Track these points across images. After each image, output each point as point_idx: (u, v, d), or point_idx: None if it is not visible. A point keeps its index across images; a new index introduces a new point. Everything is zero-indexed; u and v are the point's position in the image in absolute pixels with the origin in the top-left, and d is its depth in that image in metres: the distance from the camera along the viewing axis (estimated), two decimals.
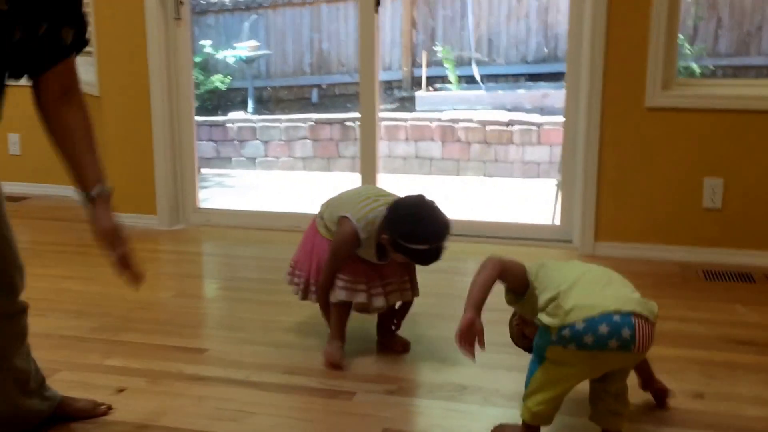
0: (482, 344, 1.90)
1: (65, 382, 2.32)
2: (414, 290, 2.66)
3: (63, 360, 2.53)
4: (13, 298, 1.95)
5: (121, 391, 2.35)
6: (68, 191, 4.72)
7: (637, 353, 1.86)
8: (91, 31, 4.12)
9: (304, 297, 2.61)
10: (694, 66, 7.72)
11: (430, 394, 2.35)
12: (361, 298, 2.50)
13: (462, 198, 5.75)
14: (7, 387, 1.96)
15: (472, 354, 1.91)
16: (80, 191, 1.88)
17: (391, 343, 2.69)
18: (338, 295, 2.50)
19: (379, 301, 2.53)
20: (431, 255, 2.37)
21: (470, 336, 1.90)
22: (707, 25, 8.14)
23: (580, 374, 1.93)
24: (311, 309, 2.72)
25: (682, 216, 3.56)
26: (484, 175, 6.72)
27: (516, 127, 6.77)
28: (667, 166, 3.53)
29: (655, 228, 3.59)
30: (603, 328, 1.80)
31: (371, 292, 2.52)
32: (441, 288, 3.30)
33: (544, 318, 1.88)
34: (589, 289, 1.89)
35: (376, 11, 3.81)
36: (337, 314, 2.56)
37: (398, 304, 2.66)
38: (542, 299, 1.91)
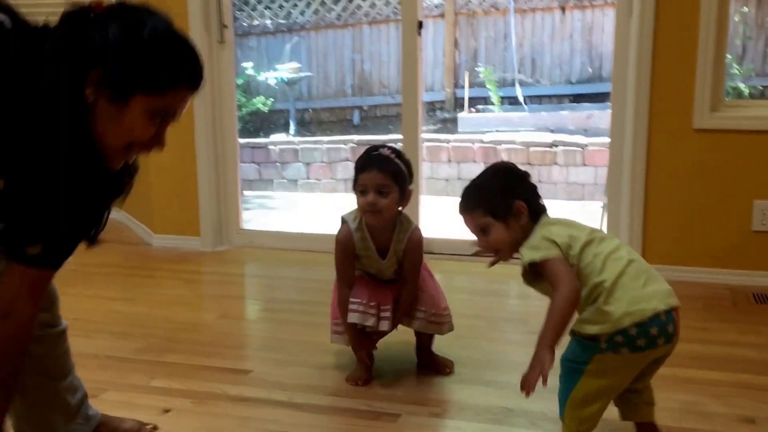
0: (545, 382, 1.76)
1: (111, 402, 2.33)
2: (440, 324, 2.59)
3: (108, 380, 2.54)
4: (58, 312, 1.97)
5: (166, 411, 2.36)
6: (113, 214, 4.78)
7: (675, 343, 1.89)
8: None
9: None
10: (742, 86, 7.61)
11: (476, 417, 2.32)
12: (370, 321, 2.48)
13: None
14: (58, 403, 1.98)
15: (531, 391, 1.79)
16: None
17: (433, 363, 2.66)
18: (350, 317, 2.49)
19: (384, 325, 2.51)
20: None
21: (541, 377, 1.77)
22: (756, 45, 8.02)
23: (625, 378, 1.91)
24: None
25: (731, 239, 3.49)
26: None
27: (560, 149, 6.72)
28: (716, 188, 3.47)
29: (703, 251, 3.52)
30: (653, 330, 1.82)
31: (380, 315, 2.49)
32: (485, 310, 3.28)
33: (589, 328, 1.85)
34: (633, 290, 1.84)
35: (419, 33, 3.81)
36: (351, 332, 2.53)
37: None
38: (582, 293, 1.86)
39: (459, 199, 2.06)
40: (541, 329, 1.81)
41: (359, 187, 2.40)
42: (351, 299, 2.51)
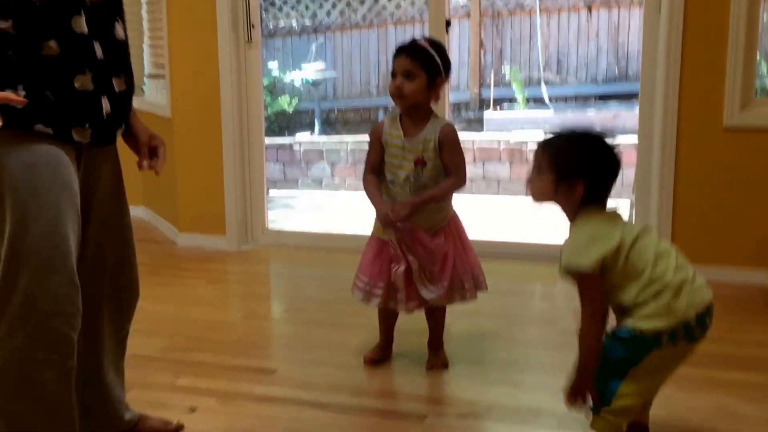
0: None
1: (138, 401, 2.33)
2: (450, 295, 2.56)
3: (135, 379, 2.54)
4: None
5: (192, 410, 2.36)
6: (139, 211, 4.81)
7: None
8: (164, 55, 4.20)
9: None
10: None
11: (504, 419, 2.31)
12: (374, 302, 2.53)
13: (532, 220, 5.68)
14: (116, 388, 2.07)
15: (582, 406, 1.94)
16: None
17: (430, 360, 2.65)
18: (355, 295, 2.56)
19: (392, 304, 2.54)
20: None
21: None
22: None
23: (669, 374, 1.94)
24: (378, 330, 2.70)
25: (762, 238, 3.44)
26: None
27: None
28: (746, 188, 3.42)
29: (734, 251, 3.47)
30: (708, 320, 1.89)
31: (389, 295, 2.52)
32: (512, 310, 3.26)
33: (655, 323, 1.83)
34: (690, 282, 1.88)
35: (447, 32, 3.80)
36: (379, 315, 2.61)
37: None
38: (632, 291, 1.85)
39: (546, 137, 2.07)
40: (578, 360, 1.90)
41: (391, 72, 2.48)
42: (358, 275, 2.56)
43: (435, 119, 2.51)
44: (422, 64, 2.43)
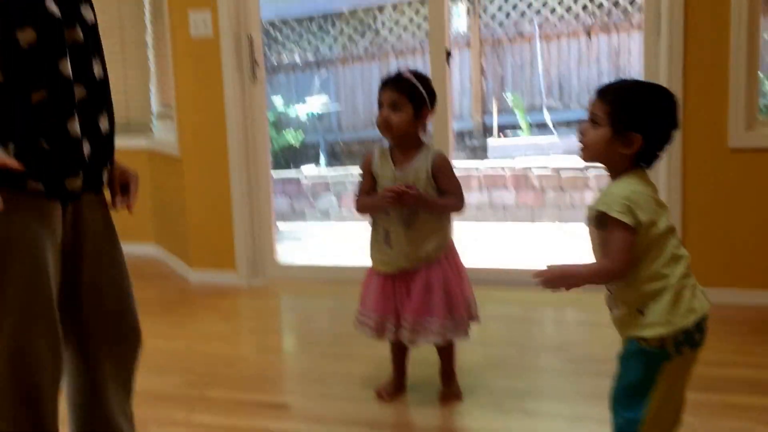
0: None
1: None
2: (457, 330, 2.56)
3: (150, 417, 2.56)
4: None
5: None
6: (150, 249, 4.83)
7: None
8: (171, 95, 4.25)
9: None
10: None
11: None
12: (387, 337, 2.56)
13: (538, 245, 5.68)
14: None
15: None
16: None
17: (443, 392, 2.65)
18: (364, 332, 2.58)
19: (397, 337, 2.55)
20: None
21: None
22: None
23: (684, 386, 1.88)
24: (389, 362, 2.71)
25: None
26: (560, 221, 6.64)
27: (592, 172, 6.68)
28: (755, 208, 3.43)
29: (747, 272, 3.47)
30: (705, 325, 1.83)
31: (395, 330, 2.55)
32: (523, 337, 3.25)
33: (659, 330, 1.78)
34: (692, 288, 1.82)
35: (448, 63, 3.84)
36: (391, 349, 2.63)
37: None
38: (637, 275, 1.80)
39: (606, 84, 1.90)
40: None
41: (378, 104, 2.51)
42: (362, 310, 2.59)
43: (426, 149, 2.55)
44: (408, 96, 2.47)
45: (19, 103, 1.61)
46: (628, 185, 1.81)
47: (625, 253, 1.77)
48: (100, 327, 1.88)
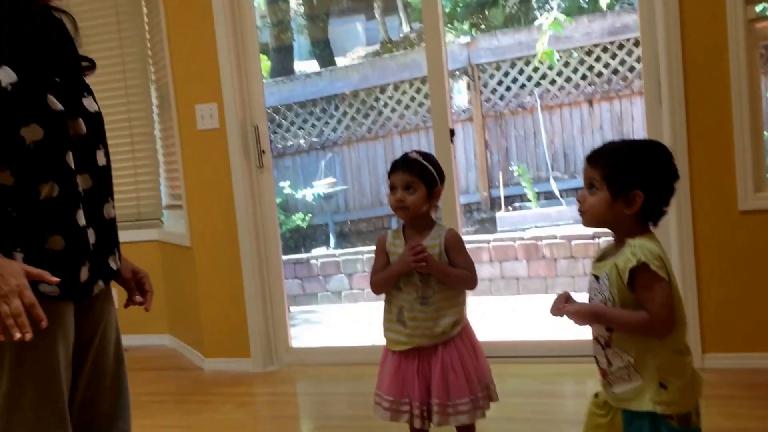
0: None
1: None
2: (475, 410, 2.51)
3: None
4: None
5: None
6: (162, 339, 4.81)
7: None
8: (180, 186, 4.30)
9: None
10: None
11: None
12: (404, 419, 2.50)
13: (554, 318, 5.63)
14: None
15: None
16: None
17: None
18: (381, 415, 2.53)
19: (417, 422, 2.49)
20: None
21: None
22: None
23: None
24: None
25: None
26: (574, 291, 6.59)
27: (602, 239, 6.67)
28: None
29: (760, 336, 3.41)
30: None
31: (414, 412, 2.49)
32: (543, 413, 3.19)
33: (686, 401, 1.74)
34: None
35: (452, 141, 3.88)
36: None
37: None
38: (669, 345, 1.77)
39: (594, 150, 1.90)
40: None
41: (390, 186, 2.56)
42: (377, 392, 2.55)
43: (438, 227, 2.58)
44: (419, 176, 2.52)
45: (29, 202, 1.61)
46: (654, 244, 1.77)
47: (671, 307, 1.73)
48: (92, 427, 1.85)
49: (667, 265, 1.75)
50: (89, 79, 1.83)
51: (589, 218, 1.84)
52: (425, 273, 2.49)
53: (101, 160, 1.79)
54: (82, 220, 1.69)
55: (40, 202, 1.62)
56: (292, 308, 6.79)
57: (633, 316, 1.75)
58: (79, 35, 1.84)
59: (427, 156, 2.59)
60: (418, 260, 2.46)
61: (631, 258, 1.73)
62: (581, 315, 1.82)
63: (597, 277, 1.83)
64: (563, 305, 1.85)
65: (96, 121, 1.79)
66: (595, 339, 1.86)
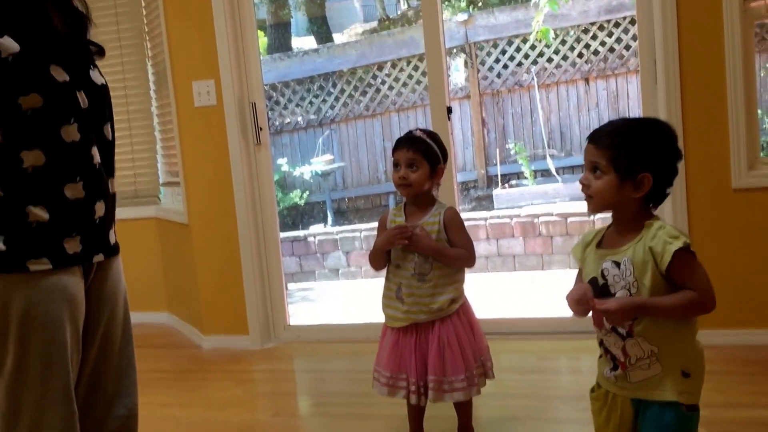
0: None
1: None
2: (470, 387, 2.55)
3: None
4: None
5: None
6: (163, 318, 4.84)
7: None
8: (178, 163, 4.31)
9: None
10: None
11: None
12: (401, 395, 2.55)
13: (551, 293, 5.67)
14: None
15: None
16: None
17: None
18: (378, 390, 2.58)
19: (413, 399, 2.54)
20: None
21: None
22: None
23: None
24: (406, 421, 2.69)
25: None
26: (570, 268, 6.63)
27: (598, 217, 6.69)
28: (763, 247, 3.42)
29: (756, 312, 3.44)
30: None
31: (410, 388, 2.53)
32: (540, 388, 3.23)
33: (696, 397, 1.75)
34: None
35: (449, 119, 3.88)
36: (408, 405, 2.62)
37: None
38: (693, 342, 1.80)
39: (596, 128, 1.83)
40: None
41: (393, 163, 2.59)
42: (376, 368, 2.60)
43: (438, 205, 2.62)
44: (423, 154, 2.55)
45: (11, 167, 1.62)
46: (667, 227, 1.73)
47: (711, 284, 1.71)
48: (98, 405, 1.87)
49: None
50: None
51: (596, 202, 1.78)
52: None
53: (108, 134, 1.81)
54: (76, 193, 1.70)
55: (22, 170, 1.63)
56: (290, 285, 6.81)
57: (680, 298, 1.69)
58: (88, 9, 1.84)
59: (431, 134, 2.62)
60: (402, 237, 2.49)
61: (671, 240, 1.68)
62: (625, 311, 1.70)
63: (617, 263, 1.75)
64: (593, 302, 1.73)
65: (103, 94, 1.80)
66: (612, 330, 1.77)
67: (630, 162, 1.72)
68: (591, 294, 1.74)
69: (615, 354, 1.79)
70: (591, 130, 1.84)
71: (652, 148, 1.75)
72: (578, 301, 1.75)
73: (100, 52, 1.86)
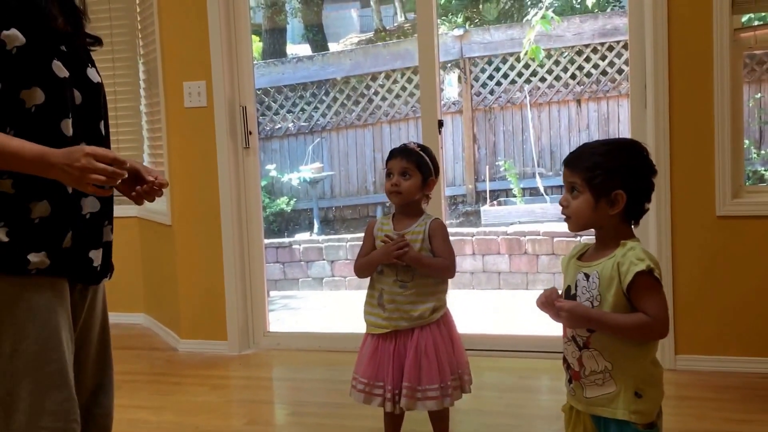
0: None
1: None
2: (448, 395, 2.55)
3: None
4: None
5: None
6: (137, 318, 4.79)
7: None
8: (164, 163, 4.27)
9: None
10: (762, 170, 7.62)
11: None
12: (377, 402, 2.55)
13: (533, 313, 5.65)
14: None
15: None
16: None
17: None
18: (355, 397, 2.58)
19: (388, 406, 2.54)
20: None
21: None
22: None
23: None
24: None
25: (764, 326, 3.42)
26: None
27: (584, 238, 6.70)
28: (744, 275, 3.42)
29: (736, 339, 3.45)
30: None
31: (386, 396, 2.53)
32: (517, 408, 3.21)
33: (653, 406, 1.78)
34: None
35: (440, 132, 3.88)
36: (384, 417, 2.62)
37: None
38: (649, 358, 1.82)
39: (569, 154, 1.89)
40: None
41: (386, 173, 2.63)
42: (356, 376, 2.60)
43: (426, 216, 2.66)
44: (416, 165, 2.60)
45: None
46: (638, 248, 1.77)
47: (668, 311, 1.76)
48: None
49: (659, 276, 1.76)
50: None
51: (574, 222, 1.84)
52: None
53: (102, 131, 1.83)
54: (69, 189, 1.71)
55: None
56: (273, 293, 6.78)
57: (631, 319, 1.74)
58: (85, 5, 1.86)
59: (424, 148, 2.68)
60: (400, 255, 2.52)
61: (637, 262, 1.72)
62: (575, 315, 1.77)
63: (587, 275, 1.81)
64: (557, 300, 1.79)
65: (98, 92, 1.82)
66: (571, 339, 1.83)
67: (603, 180, 1.78)
68: (557, 295, 1.82)
69: (571, 363, 1.85)
70: None
71: (624, 165, 1.81)
72: (544, 303, 1.83)
73: (97, 42, 1.88)
